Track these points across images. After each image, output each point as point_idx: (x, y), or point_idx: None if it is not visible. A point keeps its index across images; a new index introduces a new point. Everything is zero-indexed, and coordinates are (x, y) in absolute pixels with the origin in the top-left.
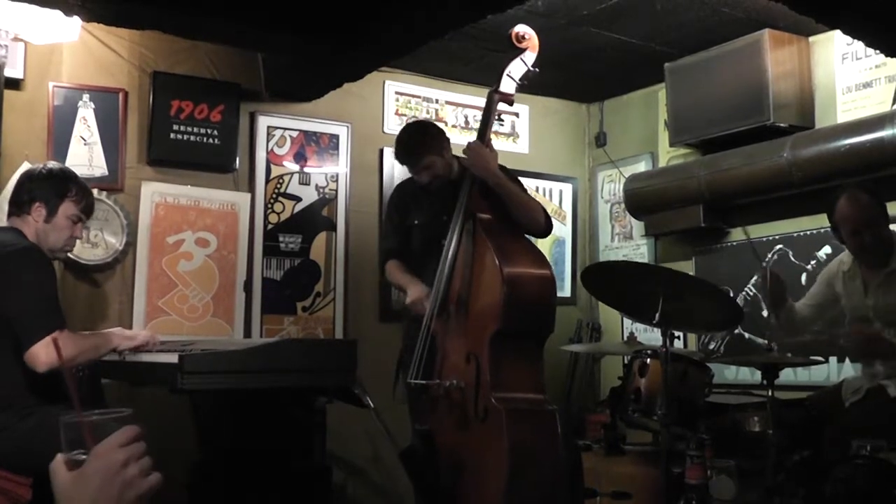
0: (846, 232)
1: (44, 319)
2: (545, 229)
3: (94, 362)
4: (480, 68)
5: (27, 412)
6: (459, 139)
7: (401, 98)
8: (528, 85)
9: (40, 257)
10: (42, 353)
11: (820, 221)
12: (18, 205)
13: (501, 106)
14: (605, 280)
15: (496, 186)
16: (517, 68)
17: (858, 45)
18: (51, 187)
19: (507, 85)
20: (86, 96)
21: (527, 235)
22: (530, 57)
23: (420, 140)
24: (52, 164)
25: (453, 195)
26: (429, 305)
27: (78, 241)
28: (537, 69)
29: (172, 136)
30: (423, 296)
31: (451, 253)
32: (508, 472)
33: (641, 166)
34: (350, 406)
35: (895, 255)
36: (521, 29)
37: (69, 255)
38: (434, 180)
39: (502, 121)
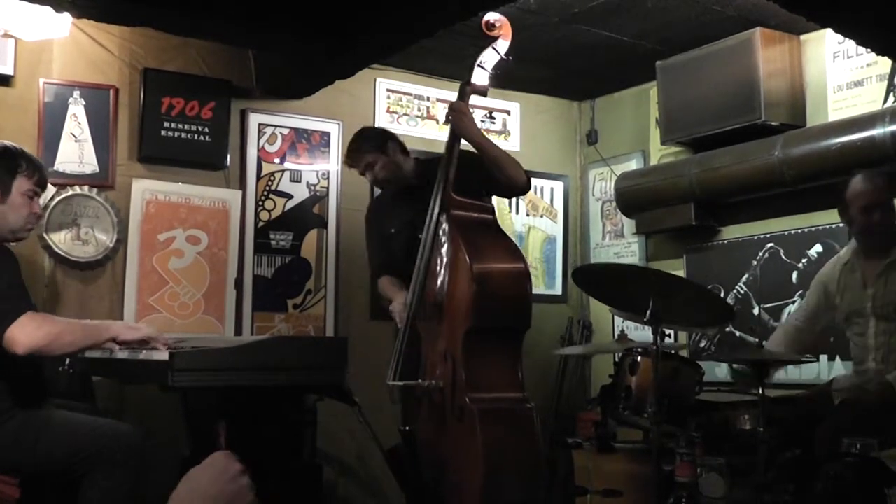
0: (857, 208)
1: (12, 303)
2: (525, 185)
3: (82, 352)
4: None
5: (8, 416)
6: None
7: (392, 95)
8: (507, 76)
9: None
10: (19, 334)
11: (811, 220)
12: None
13: (476, 99)
14: (596, 279)
15: (477, 146)
16: (489, 58)
17: (849, 44)
18: None
19: (480, 76)
20: (76, 93)
21: (511, 196)
22: (503, 45)
23: (355, 143)
24: None
25: (427, 198)
26: (406, 306)
27: (69, 239)
28: (511, 58)
29: (163, 133)
30: (404, 304)
31: (426, 251)
32: (484, 473)
33: (633, 164)
34: (340, 404)
35: None
36: (491, 16)
37: (59, 252)
38: (386, 180)
39: (493, 118)
